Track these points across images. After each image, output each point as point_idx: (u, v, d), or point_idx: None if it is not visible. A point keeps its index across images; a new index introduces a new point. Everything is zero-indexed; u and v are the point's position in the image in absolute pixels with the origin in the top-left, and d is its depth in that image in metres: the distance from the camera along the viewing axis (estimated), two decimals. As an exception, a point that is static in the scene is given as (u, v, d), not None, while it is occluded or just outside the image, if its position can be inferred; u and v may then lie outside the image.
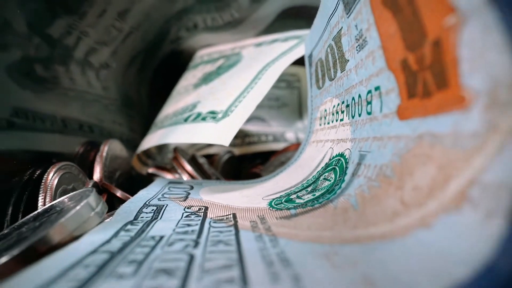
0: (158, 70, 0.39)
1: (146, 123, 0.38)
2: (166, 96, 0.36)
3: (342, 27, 0.14)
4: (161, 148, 0.34)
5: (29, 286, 0.07)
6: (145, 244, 0.10)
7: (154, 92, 0.39)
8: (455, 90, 0.08)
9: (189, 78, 0.33)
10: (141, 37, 0.35)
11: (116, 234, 0.11)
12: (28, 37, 0.22)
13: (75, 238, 0.11)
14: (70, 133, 0.26)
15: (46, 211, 0.14)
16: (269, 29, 0.34)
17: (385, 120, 0.11)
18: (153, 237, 0.10)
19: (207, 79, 0.28)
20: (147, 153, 0.31)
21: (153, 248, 0.09)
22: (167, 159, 0.33)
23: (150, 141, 0.26)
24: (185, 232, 0.11)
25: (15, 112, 0.22)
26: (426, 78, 0.09)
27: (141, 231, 0.11)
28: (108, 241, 0.10)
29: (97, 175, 0.22)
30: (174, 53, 0.39)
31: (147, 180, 0.27)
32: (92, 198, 0.12)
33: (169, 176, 0.25)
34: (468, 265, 0.06)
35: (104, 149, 0.23)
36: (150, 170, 0.26)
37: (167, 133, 0.24)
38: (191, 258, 0.08)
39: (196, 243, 0.10)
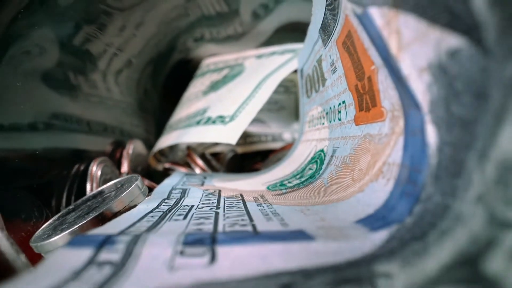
0: (169, 77, 0.44)
1: (158, 125, 0.43)
2: (176, 101, 0.42)
3: (322, 54, 0.20)
4: (173, 147, 0.39)
5: (125, 224, 0.12)
6: (183, 208, 0.15)
7: (165, 97, 0.44)
8: (379, 108, 0.13)
9: (197, 85, 0.38)
10: (155, 47, 0.40)
11: (159, 204, 0.16)
12: (60, 51, 0.27)
13: (131, 208, 0.16)
14: (97, 134, 0.31)
15: (100, 192, 0.19)
16: (269, 41, 0.40)
17: (348, 125, 0.16)
18: (186, 205, 0.16)
19: (214, 87, 0.33)
20: (161, 151, 0.36)
21: (190, 210, 0.14)
22: (177, 156, 0.38)
23: (166, 141, 0.31)
24: (208, 203, 0.16)
25: (54, 116, 0.27)
26: (366, 99, 0.14)
27: (176, 203, 0.16)
28: (156, 207, 0.15)
29: (124, 168, 0.27)
30: (183, 61, 0.44)
31: (163, 174, 0.33)
32: (139, 182, 0.18)
33: (183, 170, 0.30)
34: (375, 206, 0.11)
35: (130, 147, 0.28)
36: (167, 165, 0.31)
37: (182, 134, 0.29)
38: (216, 213, 0.14)
39: (217, 207, 0.15)
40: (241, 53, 0.39)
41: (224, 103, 0.28)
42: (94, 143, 0.29)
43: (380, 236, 0.09)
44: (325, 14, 0.16)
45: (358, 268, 0.08)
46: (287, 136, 0.40)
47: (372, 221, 0.10)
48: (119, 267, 0.08)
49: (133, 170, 0.28)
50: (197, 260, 0.08)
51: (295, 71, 0.30)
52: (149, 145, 0.37)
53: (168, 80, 0.44)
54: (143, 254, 0.09)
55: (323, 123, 0.21)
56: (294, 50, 0.33)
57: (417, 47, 0.09)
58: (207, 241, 0.09)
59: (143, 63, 0.40)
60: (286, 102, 0.44)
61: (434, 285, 0.07)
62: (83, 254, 0.08)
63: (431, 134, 0.09)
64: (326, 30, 0.17)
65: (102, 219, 0.15)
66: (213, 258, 0.08)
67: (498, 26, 0.06)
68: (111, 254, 0.08)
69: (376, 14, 0.10)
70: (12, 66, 0.19)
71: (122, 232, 0.10)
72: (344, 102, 0.17)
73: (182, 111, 0.34)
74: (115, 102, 0.36)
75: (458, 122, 0.08)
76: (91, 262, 0.08)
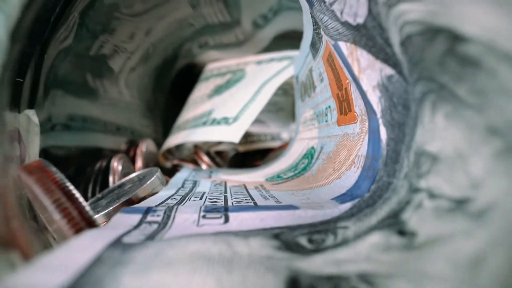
0: (175, 80, 0.48)
1: (165, 125, 0.47)
2: (182, 103, 0.45)
3: (312, 65, 0.23)
4: (179, 146, 0.43)
5: (157, 202, 0.16)
6: (197, 193, 0.19)
7: (171, 99, 0.48)
8: (353, 113, 0.17)
9: (202, 89, 0.41)
10: (162, 53, 0.44)
11: (177, 191, 0.20)
12: (79, 59, 0.31)
13: (153, 194, 0.20)
14: (111, 133, 0.35)
15: (123, 183, 0.23)
16: (268, 47, 0.43)
17: (332, 126, 0.20)
18: (199, 192, 0.19)
19: (218, 91, 0.37)
20: (169, 150, 0.40)
21: (203, 195, 0.18)
22: (183, 154, 0.42)
23: (175, 140, 0.35)
24: (217, 190, 0.20)
25: (71, 118, 0.30)
26: (345, 105, 0.18)
27: (190, 190, 0.20)
28: (175, 193, 0.19)
29: (139, 164, 0.31)
30: (187, 66, 0.48)
31: (171, 170, 0.36)
32: (159, 174, 0.21)
33: (190, 166, 0.34)
34: (346, 188, 0.15)
35: (143, 145, 0.32)
36: (175, 162, 0.35)
37: (190, 134, 0.33)
38: (225, 196, 0.17)
39: (225, 193, 0.18)
40: (242, 58, 0.43)
41: (227, 106, 0.32)
42: (110, 141, 0.33)
43: (345, 206, 0.13)
44: (313, 34, 0.20)
45: (327, 225, 0.12)
46: (285, 135, 0.44)
47: (343, 198, 0.14)
48: (162, 225, 0.12)
49: (145, 166, 0.32)
50: (215, 221, 0.12)
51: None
52: (157, 143, 0.41)
53: (174, 83, 0.48)
54: (177, 217, 0.12)
55: (314, 124, 0.25)
56: (290, 57, 0.36)
57: (369, 72, 0.12)
58: (221, 210, 0.13)
59: (151, 67, 0.43)
60: (284, 104, 0.47)
61: (371, 230, 0.10)
62: (135, 217, 0.12)
63: (383, 133, 0.13)
64: (314, 47, 0.21)
65: (131, 202, 0.19)
66: (226, 219, 0.12)
67: (407, 64, 0.10)
68: (154, 217, 0.12)
69: (343, 46, 0.13)
70: (57, 79, 0.23)
71: (157, 205, 0.14)
72: (329, 106, 0.21)
73: (189, 113, 0.38)
74: (126, 104, 0.40)
75: (396, 124, 0.12)
76: (142, 221, 0.12)
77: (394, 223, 0.10)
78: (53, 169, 0.11)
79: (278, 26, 0.40)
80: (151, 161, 0.35)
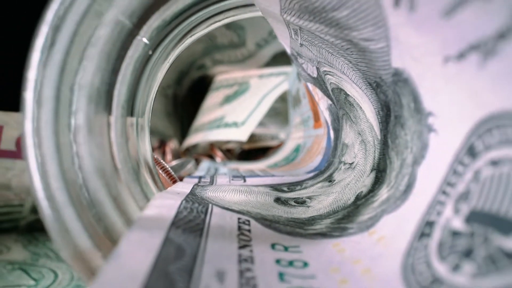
0: (189, 89, 0.59)
1: (182, 127, 0.58)
2: (195, 108, 0.57)
3: (299, 86, 0.35)
4: (194, 145, 0.54)
5: (201, 174, 0.27)
6: (221, 174, 0.30)
7: (186, 106, 0.59)
8: (320, 121, 0.28)
9: (213, 97, 0.53)
10: (180, 66, 0.55)
11: (206, 173, 0.31)
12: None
13: (189, 175, 0.31)
14: (143, 134, 0.46)
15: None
16: (268, 62, 0.55)
17: (311, 129, 0.31)
18: (222, 173, 0.31)
19: (228, 100, 0.48)
20: (186, 148, 0.51)
21: (225, 173, 0.29)
22: (198, 151, 0.53)
23: (194, 139, 0.46)
24: (233, 172, 0.31)
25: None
26: (316, 116, 0.29)
27: (215, 172, 0.31)
28: (206, 173, 0.30)
29: (169, 157, 0.42)
30: (200, 77, 0.59)
31: (191, 163, 0.48)
32: (193, 162, 0.33)
33: (206, 159, 0.45)
34: (314, 166, 0.26)
35: (171, 143, 0.43)
36: (195, 156, 0.46)
37: (206, 134, 0.44)
38: (241, 175, 0.29)
39: (239, 173, 0.30)
40: (246, 72, 0.54)
41: (236, 113, 0.43)
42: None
43: (310, 174, 0.24)
44: (297, 68, 0.31)
45: (298, 182, 0.23)
46: (282, 135, 0.55)
47: (310, 171, 0.25)
48: (210, 183, 0.23)
49: (173, 159, 0.43)
50: (239, 181, 0.23)
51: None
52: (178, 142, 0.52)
53: (188, 92, 0.59)
54: (218, 180, 0.24)
55: (301, 127, 0.36)
56: (286, 73, 0.48)
57: (323, 100, 0.24)
58: (241, 176, 0.24)
59: (171, 78, 0.55)
60: (282, 109, 0.58)
61: (318, 182, 0.21)
62: (195, 179, 0.23)
63: (332, 134, 0.24)
64: (299, 75, 0.32)
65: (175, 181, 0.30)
66: (245, 181, 0.23)
67: (335, 100, 0.21)
68: (205, 180, 0.24)
69: (309, 84, 0.25)
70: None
71: (204, 175, 0.25)
72: (309, 116, 0.32)
73: (204, 117, 0.49)
74: (151, 110, 0.51)
75: (336, 129, 0.23)
76: (200, 181, 0.23)
77: (329, 178, 0.21)
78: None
79: (276, 47, 0.51)
80: (175, 156, 0.46)
